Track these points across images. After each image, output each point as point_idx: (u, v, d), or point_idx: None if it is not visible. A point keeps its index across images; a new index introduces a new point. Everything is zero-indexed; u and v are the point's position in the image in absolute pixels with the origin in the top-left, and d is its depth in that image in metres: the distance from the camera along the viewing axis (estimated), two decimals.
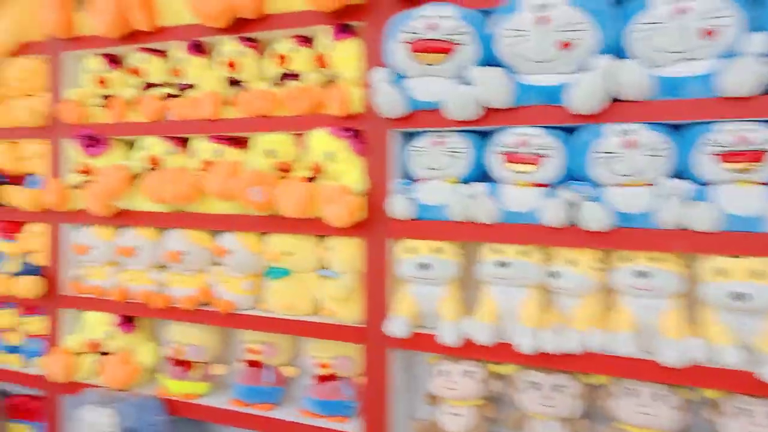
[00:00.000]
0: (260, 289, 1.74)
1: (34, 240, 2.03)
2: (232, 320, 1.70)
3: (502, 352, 1.38)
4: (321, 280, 1.64)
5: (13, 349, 2.15)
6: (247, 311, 1.71)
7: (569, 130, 1.34)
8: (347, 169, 1.54)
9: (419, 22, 1.35)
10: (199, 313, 1.75)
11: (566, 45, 1.22)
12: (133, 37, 1.82)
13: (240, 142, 1.75)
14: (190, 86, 1.79)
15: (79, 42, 1.91)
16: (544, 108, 1.31)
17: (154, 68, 1.85)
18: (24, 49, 2.00)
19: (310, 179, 1.60)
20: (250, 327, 1.69)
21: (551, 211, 1.29)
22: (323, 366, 1.64)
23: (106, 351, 1.90)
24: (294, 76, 1.64)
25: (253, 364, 1.74)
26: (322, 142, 1.55)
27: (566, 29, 1.22)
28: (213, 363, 1.83)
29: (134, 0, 1.72)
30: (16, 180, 2.11)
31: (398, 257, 1.49)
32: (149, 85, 1.86)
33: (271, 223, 1.64)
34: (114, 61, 1.92)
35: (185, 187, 1.67)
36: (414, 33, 1.36)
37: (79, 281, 1.97)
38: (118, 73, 1.92)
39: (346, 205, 1.46)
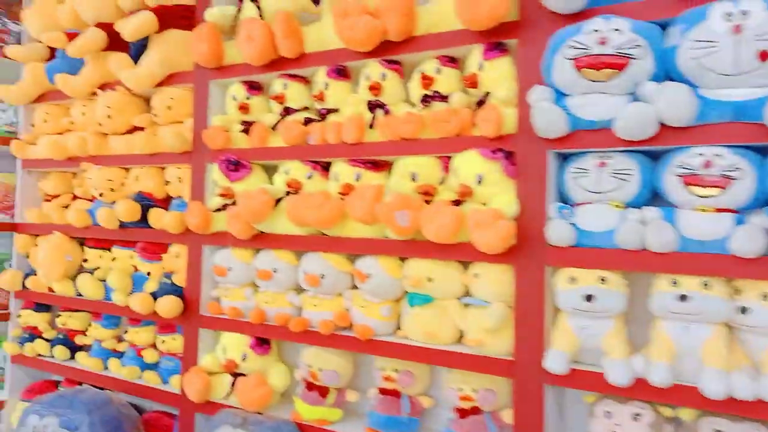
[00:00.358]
0: (399, 315, 1.70)
1: (176, 261, 2.12)
2: (369, 346, 1.68)
3: (680, 394, 1.25)
4: (465, 308, 1.58)
5: (150, 366, 2.24)
6: (385, 338, 1.68)
7: (761, 150, 1.21)
8: (498, 193, 1.49)
9: (589, 36, 1.29)
10: (335, 338, 1.73)
11: (766, 55, 1.11)
12: (276, 64, 1.87)
13: (379, 166, 1.75)
14: (332, 111, 1.81)
15: (225, 71, 1.99)
16: (733, 125, 1.20)
17: (295, 94, 1.89)
18: (172, 79, 2.11)
19: (457, 203, 1.55)
20: (389, 354, 1.65)
21: (743, 240, 1.16)
22: (465, 399, 1.57)
23: (242, 372, 1.93)
24: (440, 97, 1.62)
25: (389, 392, 1.70)
26: (471, 164, 1.50)
27: (766, 38, 1.11)
28: (347, 389, 1.80)
29: (281, 29, 1.76)
30: (162, 203, 2.22)
31: (557, 287, 1.40)
32: (289, 111, 1.90)
33: (413, 247, 1.60)
34: (254, 87, 1.99)
35: (327, 211, 1.67)
36: (583, 48, 1.29)
37: (217, 302, 2.02)
38: (258, 99, 1.99)
39: (499, 231, 1.39)
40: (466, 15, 1.45)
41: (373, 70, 1.70)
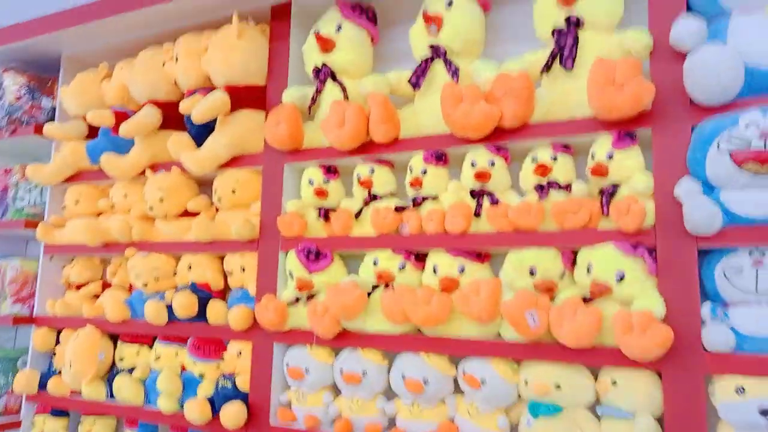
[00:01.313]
0: (517, 426, 1.56)
1: (236, 361, 1.94)
2: None
3: None
4: (598, 419, 1.46)
5: None
6: None
7: None
8: (641, 292, 1.40)
9: (747, 129, 1.26)
10: None
11: None
12: (364, 148, 1.80)
13: (483, 257, 1.66)
14: (427, 198, 1.73)
15: (302, 154, 1.91)
16: None
17: (382, 179, 1.82)
18: (238, 161, 2.02)
19: (587, 300, 1.46)
20: None
21: None
22: None
23: None
24: (557, 186, 1.56)
25: None
26: (609, 259, 1.43)
27: None
28: None
29: (378, 113, 1.70)
30: (219, 295, 2.07)
31: (718, 398, 1.30)
32: (375, 197, 1.82)
33: (540, 350, 1.49)
34: (332, 171, 1.91)
35: (436, 308, 1.56)
36: (742, 141, 1.25)
37: (288, 408, 1.84)
38: (336, 184, 1.91)
39: (655, 336, 1.30)
40: (602, 103, 1.41)
41: (481, 156, 1.64)
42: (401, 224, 1.74)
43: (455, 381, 1.65)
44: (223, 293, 2.11)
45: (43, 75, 2.56)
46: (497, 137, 1.61)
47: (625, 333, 1.33)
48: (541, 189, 1.57)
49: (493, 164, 1.63)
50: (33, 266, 2.47)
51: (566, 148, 1.58)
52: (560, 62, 1.54)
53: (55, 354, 2.34)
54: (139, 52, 2.29)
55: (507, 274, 1.58)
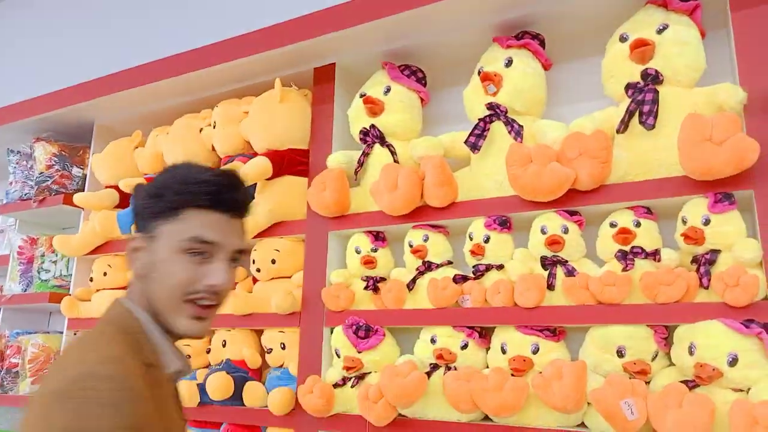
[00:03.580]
0: None
1: None
2: None
3: None
4: None
5: None
6: None
7: None
8: (757, 377, 1.16)
9: None
10: None
11: None
12: (417, 214, 1.60)
13: (558, 334, 1.42)
14: (491, 267, 1.51)
15: (347, 220, 1.71)
16: None
17: (437, 247, 1.60)
18: (278, 228, 1.82)
19: (690, 386, 1.21)
20: None
21: None
22: None
23: None
24: (643, 253, 1.34)
25: None
26: (718, 339, 1.18)
27: None
28: None
29: (435, 176, 1.51)
30: (257, 374, 1.82)
31: None
32: (430, 266, 1.60)
33: None
34: (380, 238, 1.70)
35: (511, 394, 1.31)
36: None
37: None
38: (384, 252, 1.70)
39: None
40: (698, 162, 1.21)
41: (552, 221, 1.43)
42: (462, 297, 1.52)
43: None
44: (260, 372, 1.86)
45: (74, 144, 2.41)
46: (570, 201, 1.40)
47: (749, 428, 1.08)
48: (624, 257, 1.35)
49: (566, 230, 1.42)
50: (56, 342, 2.24)
51: (649, 212, 1.38)
52: (640, 120, 1.35)
53: None
54: (173, 119, 2.14)
55: (590, 354, 1.34)
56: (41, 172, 2.31)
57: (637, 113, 1.36)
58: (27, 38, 2.52)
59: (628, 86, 1.40)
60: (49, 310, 2.52)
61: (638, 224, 1.36)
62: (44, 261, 2.29)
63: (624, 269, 1.34)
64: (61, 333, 2.22)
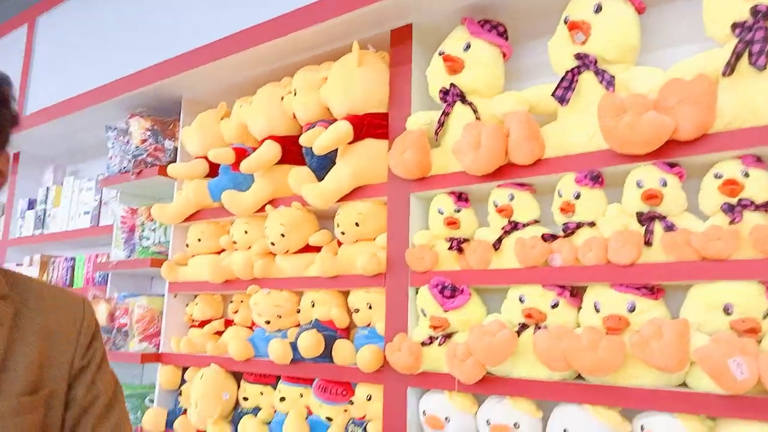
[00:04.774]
0: None
1: (366, 405, 1.70)
2: None
3: None
4: None
5: None
6: None
7: None
8: None
9: None
10: None
11: None
12: (502, 172, 1.54)
13: (656, 293, 1.34)
14: (581, 225, 1.44)
15: (429, 181, 1.67)
16: None
17: (524, 206, 1.54)
18: (360, 192, 1.81)
19: None
20: None
21: None
22: None
23: None
24: (753, 206, 1.23)
25: None
26: None
27: None
28: None
29: (522, 132, 1.44)
30: (345, 333, 1.85)
31: None
32: (517, 225, 1.54)
33: (745, 405, 1.14)
34: (463, 199, 1.65)
35: (607, 354, 1.25)
36: None
37: None
38: (467, 213, 1.65)
39: None
40: None
41: (649, 175, 1.33)
42: (551, 255, 1.46)
43: None
44: (348, 332, 1.88)
45: (165, 118, 2.49)
46: (670, 152, 1.30)
47: None
48: (731, 210, 1.24)
49: (664, 184, 1.32)
50: (158, 304, 2.36)
51: (759, 161, 1.25)
52: (749, 61, 1.22)
53: (180, 392, 2.19)
54: (256, 89, 2.16)
55: (693, 312, 1.26)
56: (137, 146, 2.41)
57: (745, 53, 1.23)
58: (120, 18, 2.62)
59: (735, 25, 1.26)
60: (151, 275, 2.66)
61: (747, 174, 1.24)
62: (144, 229, 2.40)
63: (731, 222, 1.23)
64: (162, 296, 2.34)
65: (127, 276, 2.64)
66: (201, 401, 1.98)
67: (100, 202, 2.84)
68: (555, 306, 1.44)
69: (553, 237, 1.47)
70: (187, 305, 2.33)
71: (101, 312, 2.40)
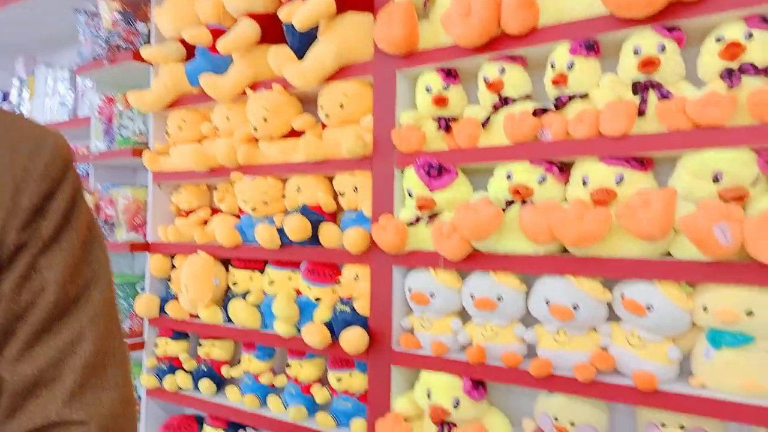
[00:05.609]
0: (689, 357, 1.25)
1: (354, 285, 1.71)
2: (653, 399, 1.22)
3: None
4: None
5: (320, 407, 1.85)
6: (672, 387, 1.22)
7: None
8: None
9: None
10: (598, 387, 1.29)
11: None
12: (493, 44, 1.45)
13: (645, 164, 1.31)
14: (573, 97, 1.37)
15: (417, 57, 1.58)
16: None
17: (515, 79, 1.47)
18: (345, 71, 1.72)
19: None
20: (686, 410, 1.20)
21: None
22: None
23: (451, 422, 1.50)
24: (754, 70, 1.16)
25: None
26: None
27: None
28: None
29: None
30: (331, 217, 1.83)
31: None
32: (507, 101, 1.48)
33: (725, 271, 1.15)
34: (451, 75, 1.57)
35: (592, 225, 1.24)
36: None
37: (411, 334, 1.61)
38: (456, 90, 1.58)
39: None
40: None
41: (647, 40, 1.25)
42: (541, 130, 1.41)
43: (609, 307, 1.35)
44: (335, 215, 1.86)
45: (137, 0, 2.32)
46: (671, 13, 1.21)
47: None
48: (729, 75, 1.18)
49: (662, 49, 1.24)
50: (142, 194, 2.32)
51: (765, 21, 1.17)
52: None
53: (170, 279, 2.20)
54: None
55: (682, 181, 1.23)
56: (109, 31, 2.26)
57: None
58: None
59: None
60: (134, 167, 2.59)
61: (750, 35, 1.16)
62: (122, 118, 2.31)
63: (729, 88, 1.17)
64: (146, 186, 2.29)
65: (109, 168, 2.57)
66: (191, 286, 1.99)
67: (76, 92, 2.71)
68: (542, 181, 1.41)
69: (544, 111, 1.41)
70: (173, 195, 2.29)
71: None
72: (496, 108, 1.49)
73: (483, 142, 1.50)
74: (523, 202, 1.42)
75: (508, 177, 1.45)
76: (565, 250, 1.39)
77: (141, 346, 2.25)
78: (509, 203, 1.44)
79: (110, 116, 2.35)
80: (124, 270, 2.56)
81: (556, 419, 1.36)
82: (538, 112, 1.41)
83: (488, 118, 1.49)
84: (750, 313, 1.14)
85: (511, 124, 1.41)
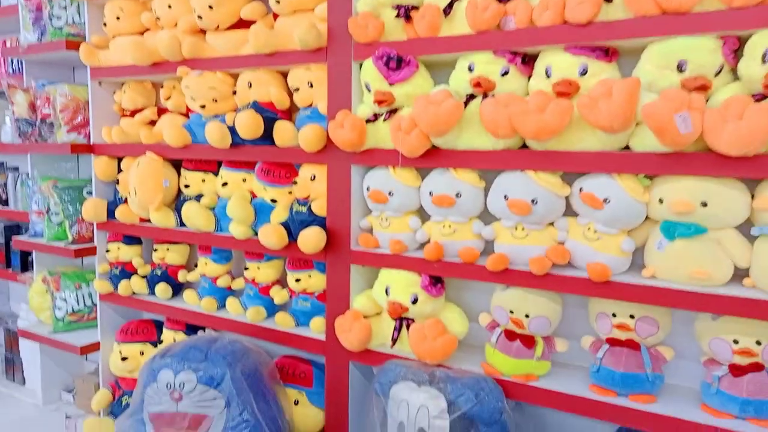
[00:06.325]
0: (642, 249, 1.29)
1: (310, 185, 1.67)
2: (607, 289, 1.26)
3: None
4: (749, 241, 1.16)
5: (279, 308, 1.86)
6: (625, 278, 1.26)
7: None
8: None
9: None
10: (552, 279, 1.32)
11: None
12: None
13: (610, 55, 1.26)
14: None
15: None
16: None
17: None
18: None
19: (758, 99, 1.08)
20: (637, 299, 1.24)
21: None
22: (744, 353, 1.18)
23: (409, 317, 1.53)
24: None
25: (622, 343, 1.31)
26: None
27: None
28: (555, 337, 1.42)
29: None
30: (284, 115, 1.75)
31: None
32: None
33: (683, 162, 1.15)
34: None
35: (554, 117, 1.21)
36: None
37: (370, 233, 1.60)
38: None
39: None
40: None
41: None
42: (505, 18, 1.33)
43: (566, 202, 1.35)
44: (290, 113, 1.78)
45: None
46: None
47: None
48: None
49: None
50: (83, 93, 2.16)
51: None
52: None
53: (118, 182, 2.11)
54: None
55: (646, 72, 1.20)
56: None
57: None
58: None
59: None
60: (71, 63, 2.40)
61: None
62: (53, 6, 2.10)
63: None
64: (86, 85, 2.13)
65: (44, 64, 2.37)
66: (140, 189, 1.91)
67: None
68: (505, 74, 1.35)
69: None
70: (115, 93, 2.14)
71: (20, 102, 2.19)
72: None
73: (444, 32, 1.42)
74: (485, 96, 1.38)
75: (470, 69, 1.39)
76: (524, 146, 1.37)
77: (93, 251, 2.19)
78: (470, 97, 1.39)
79: (39, 4, 2.14)
80: (68, 174, 2.43)
81: (511, 312, 1.39)
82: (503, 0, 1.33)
83: (450, 5, 1.41)
84: (704, 204, 1.15)
85: (473, 12, 1.33)
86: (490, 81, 1.36)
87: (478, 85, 1.37)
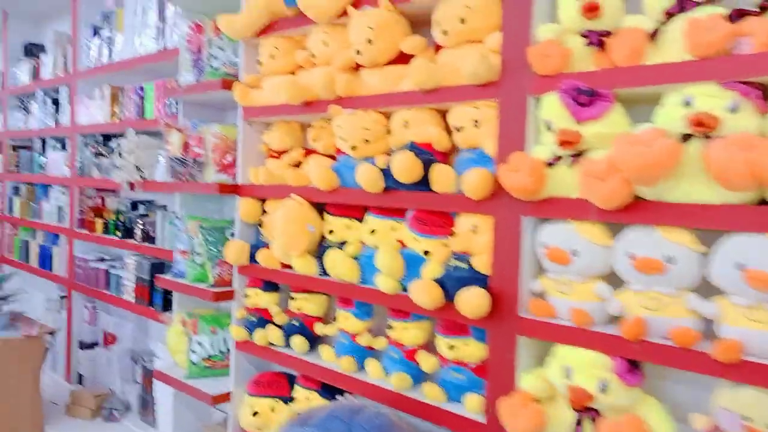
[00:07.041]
0: None
1: (471, 237, 1.50)
2: None
3: None
4: None
5: (427, 377, 1.69)
6: None
7: None
8: None
9: None
10: None
11: None
12: None
13: None
14: None
15: None
16: None
17: None
18: None
19: None
20: None
21: None
22: None
23: (594, 407, 1.28)
24: None
25: None
26: None
27: None
28: None
29: None
30: (443, 157, 1.62)
31: None
32: (684, 5, 1.17)
33: None
34: None
35: None
36: None
37: (542, 299, 1.38)
38: None
39: None
40: None
41: None
42: (737, 40, 1.10)
43: None
44: (447, 156, 1.64)
45: None
46: None
47: None
48: None
49: None
50: (232, 132, 2.21)
51: None
52: None
53: (261, 225, 2.10)
54: None
55: None
56: None
57: None
58: None
59: None
60: (223, 105, 2.50)
61: None
62: (212, 47, 2.19)
63: None
64: (236, 125, 2.18)
65: (197, 105, 2.49)
66: (284, 233, 1.87)
67: (163, 19, 2.63)
68: (734, 110, 1.11)
69: (742, 14, 1.10)
70: (264, 134, 2.16)
71: (174, 141, 2.29)
72: (669, 14, 1.19)
73: (650, 60, 1.21)
74: (707, 137, 1.13)
75: (687, 104, 1.15)
76: (764, 201, 1.10)
77: (231, 295, 2.19)
78: (686, 137, 1.16)
79: (199, 46, 2.25)
80: (213, 214, 2.50)
81: (746, 419, 1.10)
82: (735, 17, 1.09)
83: (657, 29, 1.20)
84: None
85: (695, 32, 1.12)
86: (714, 118, 1.11)
87: (699, 123, 1.13)
